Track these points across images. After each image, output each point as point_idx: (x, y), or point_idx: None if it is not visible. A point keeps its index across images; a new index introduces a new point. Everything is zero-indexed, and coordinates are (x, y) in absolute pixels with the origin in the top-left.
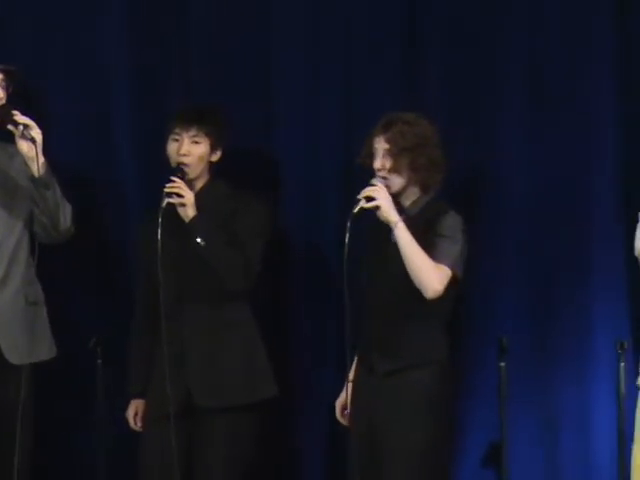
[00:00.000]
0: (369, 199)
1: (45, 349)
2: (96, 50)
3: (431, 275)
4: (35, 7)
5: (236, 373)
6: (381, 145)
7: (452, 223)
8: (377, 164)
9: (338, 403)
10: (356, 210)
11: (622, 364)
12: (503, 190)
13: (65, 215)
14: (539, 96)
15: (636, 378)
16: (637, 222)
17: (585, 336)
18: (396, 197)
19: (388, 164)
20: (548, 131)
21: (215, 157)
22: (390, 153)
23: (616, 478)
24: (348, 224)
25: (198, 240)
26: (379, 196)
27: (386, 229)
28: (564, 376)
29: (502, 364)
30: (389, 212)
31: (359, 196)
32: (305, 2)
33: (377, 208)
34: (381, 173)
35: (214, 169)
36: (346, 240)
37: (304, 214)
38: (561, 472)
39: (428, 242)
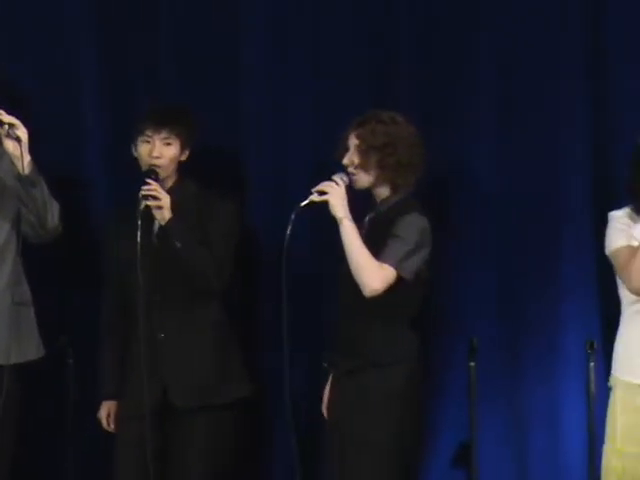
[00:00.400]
0: (321, 193)
1: (32, 349)
2: (65, 51)
3: (371, 274)
4: (7, 8)
5: (210, 373)
6: (352, 141)
7: (408, 224)
8: (345, 160)
9: (324, 398)
10: (304, 203)
11: (592, 364)
12: (473, 190)
13: (53, 213)
14: (509, 97)
15: (607, 378)
16: (607, 222)
17: (555, 336)
18: (371, 194)
19: (356, 160)
20: (518, 132)
21: (184, 157)
22: (359, 150)
23: (586, 478)
24: (292, 216)
25: (176, 243)
26: (331, 191)
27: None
28: (534, 376)
29: (472, 364)
30: (337, 208)
31: (313, 189)
32: (273, 3)
33: (327, 202)
34: (349, 169)
35: (182, 168)
36: (288, 232)
37: (272, 214)
38: (531, 472)
39: (384, 242)
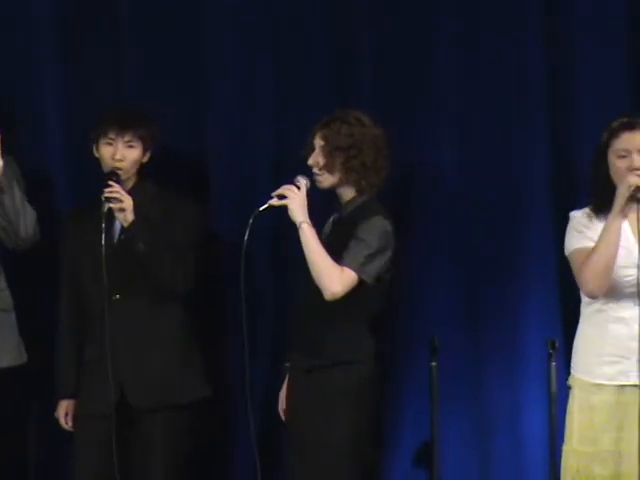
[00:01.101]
0: (281, 197)
1: (14, 354)
2: (26, 51)
3: (332, 278)
4: None
5: (169, 373)
6: (318, 141)
7: (370, 226)
8: (310, 160)
9: (280, 398)
10: (263, 207)
11: (553, 363)
12: (436, 191)
13: (26, 223)
14: (470, 98)
15: (567, 377)
16: (568, 222)
17: (516, 335)
18: (336, 195)
19: (321, 161)
20: (479, 133)
21: (145, 158)
22: (324, 151)
23: (547, 478)
24: (250, 221)
25: (140, 245)
26: (291, 195)
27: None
28: (495, 376)
29: (434, 364)
30: (296, 212)
31: (273, 193)
32: (234, 3)
33: (286, 207)
34: (314, 170)
35: (143, 169)
36: (245, 237)
37: (235, 215)
38: (493, 471)
39: (347, 244)
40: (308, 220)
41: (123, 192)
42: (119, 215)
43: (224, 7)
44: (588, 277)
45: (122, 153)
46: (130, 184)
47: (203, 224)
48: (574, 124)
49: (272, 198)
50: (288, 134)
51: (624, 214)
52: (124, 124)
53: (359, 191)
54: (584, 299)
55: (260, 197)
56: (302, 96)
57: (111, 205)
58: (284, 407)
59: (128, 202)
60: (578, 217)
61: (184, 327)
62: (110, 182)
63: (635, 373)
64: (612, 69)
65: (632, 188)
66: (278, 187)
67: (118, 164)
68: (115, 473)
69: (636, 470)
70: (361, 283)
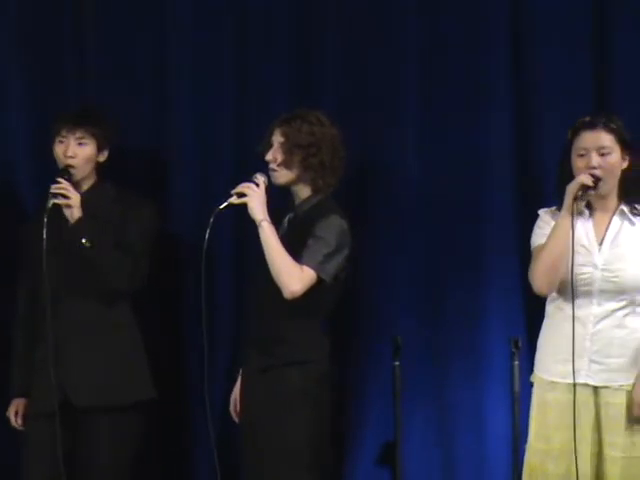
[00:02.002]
0: (240, 195)
1: None
2: None
3: (291, 277)
4: None
5: (113, 374)
6: (277, 138)
7: (327, 226)
8: (269, 156)
9: (232, 398)
10: (222, 206)
11: (516, 362)
12: (398, 190)
13: None
14: (431, 96)
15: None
16: (531, 221)
17: (480, 334)
18: (291, 193)
19: (279, 158)
20: (440, 131)
21: (102, 158)
22: (283, 147)
23: (510, 475)
24: (211, 220)
25: (83, 241)
26: (250, 193)
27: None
28: (459, 374)
29: (396, 363)
30: (256, 210)
31: (232, 191)
32: (196, 1)
33: (245, 205)
34: (271, 165)
35: (101, 170)
36: (206, 236)
37: (196, 213)
38: (456, 470)
39: (304, 242)
40: (268, 218)
41: (70, 188)
42: (66, 211)
43: (186, 5)
44: (535, 274)
45: (73, 150)
46: (88, 184)
47: (158, 226)
48: (536, 122)
49: (232, 196)
50: (248, 133)
51: (583, 213)
52: (75, 121)
53: (315, 190)
54: (548, 297)
55: (220, 196)
56: (263, 95)
57: (57, 201)
58: (237, 409)
59: (75, 199)
60: (543, 214)
61: (131, 328)
62: (59, 179)
63: (585, 372)
64: (576, 74)
65: (578, 187)
66: (237, 185)
67: (70, 161)
68: (61, 472)
69: (587, 470)
70: (319, 282)
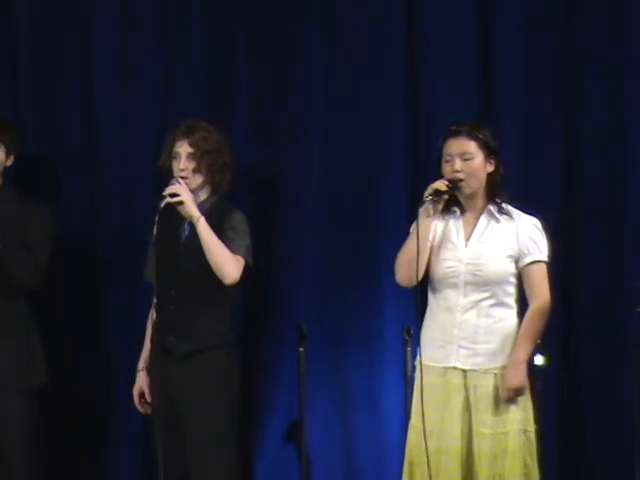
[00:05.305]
0: (173, 195)
1: None
2: None
3: (231, 266)
4: None
5: (9, 359)
6: (184, 148)
7: (238, 220)
8: (181, 165)
9: (135, 392)
10: (163, 205)
11: (409, 349)
12: (303, 183)
13: None
14: (332, 101)
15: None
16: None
17: (376, 323)
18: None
19: (191, 165)
20: (340, 135)
21: (9, 162)
22: (194, 155)
23: (402, 452)
24: (156, 218)
25: None
26: (182, 193)
27: (176, 225)
28: (357, 360)
29: (301, 349)
30: (192, 208)
31: (164, 192)
32: (122, 3)
33: (181, 203)
34: (183, 173)
35: (5, 174)
36: (154, 232)
37: (120, 215)
38: (355, 448)
39: (220, 237)
40: (201, 215)
41: None
42: None
43: (112, 7)
44: (396, 268)
45: None
46: None
47: (54, 226)
48: (429, 125)
49: (165, 197)
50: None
51: (455, 213)
52: None
53: (215, 190)
54: (429, 289)
55: (143, 199)
56: (183, 97)
57: None
58: (141, 400)
59: None
60: (420, 214)
61: (24, 319)
62: None
63: (454, 357)
64: (463, 69)
65: (431, 191)
66: (161, 189)
67: None
68: None
69: (456, 446)
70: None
